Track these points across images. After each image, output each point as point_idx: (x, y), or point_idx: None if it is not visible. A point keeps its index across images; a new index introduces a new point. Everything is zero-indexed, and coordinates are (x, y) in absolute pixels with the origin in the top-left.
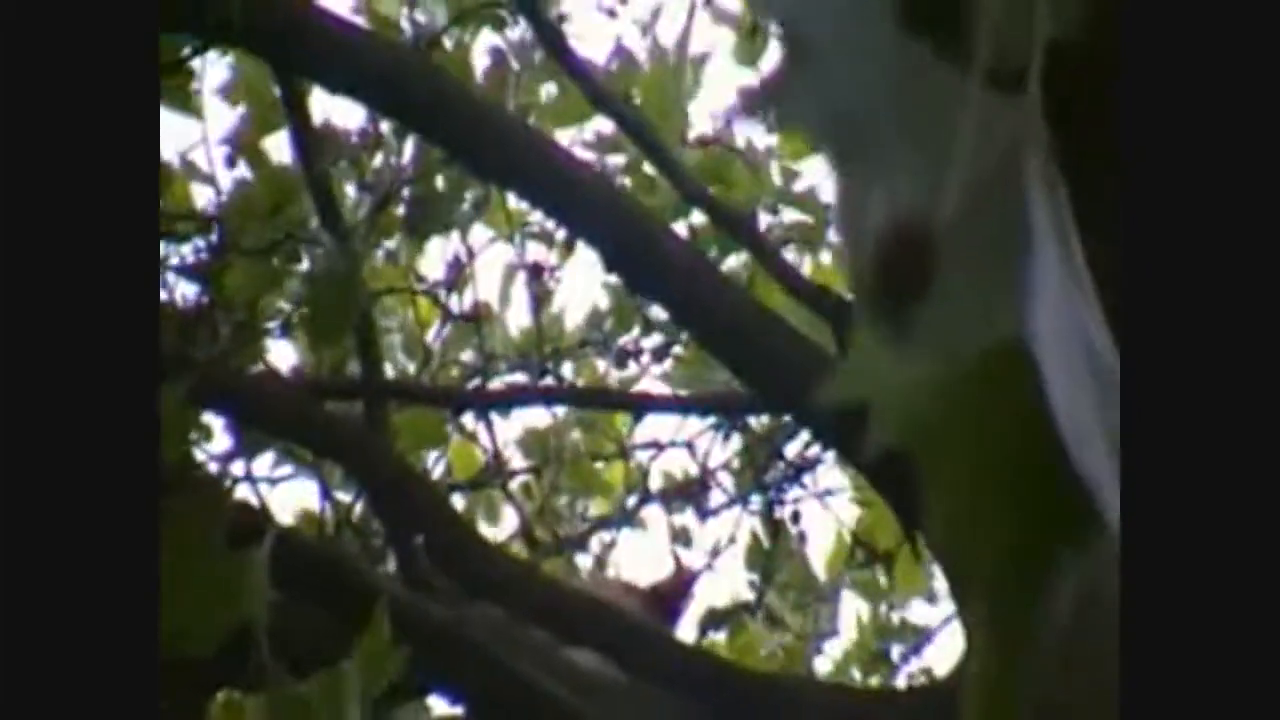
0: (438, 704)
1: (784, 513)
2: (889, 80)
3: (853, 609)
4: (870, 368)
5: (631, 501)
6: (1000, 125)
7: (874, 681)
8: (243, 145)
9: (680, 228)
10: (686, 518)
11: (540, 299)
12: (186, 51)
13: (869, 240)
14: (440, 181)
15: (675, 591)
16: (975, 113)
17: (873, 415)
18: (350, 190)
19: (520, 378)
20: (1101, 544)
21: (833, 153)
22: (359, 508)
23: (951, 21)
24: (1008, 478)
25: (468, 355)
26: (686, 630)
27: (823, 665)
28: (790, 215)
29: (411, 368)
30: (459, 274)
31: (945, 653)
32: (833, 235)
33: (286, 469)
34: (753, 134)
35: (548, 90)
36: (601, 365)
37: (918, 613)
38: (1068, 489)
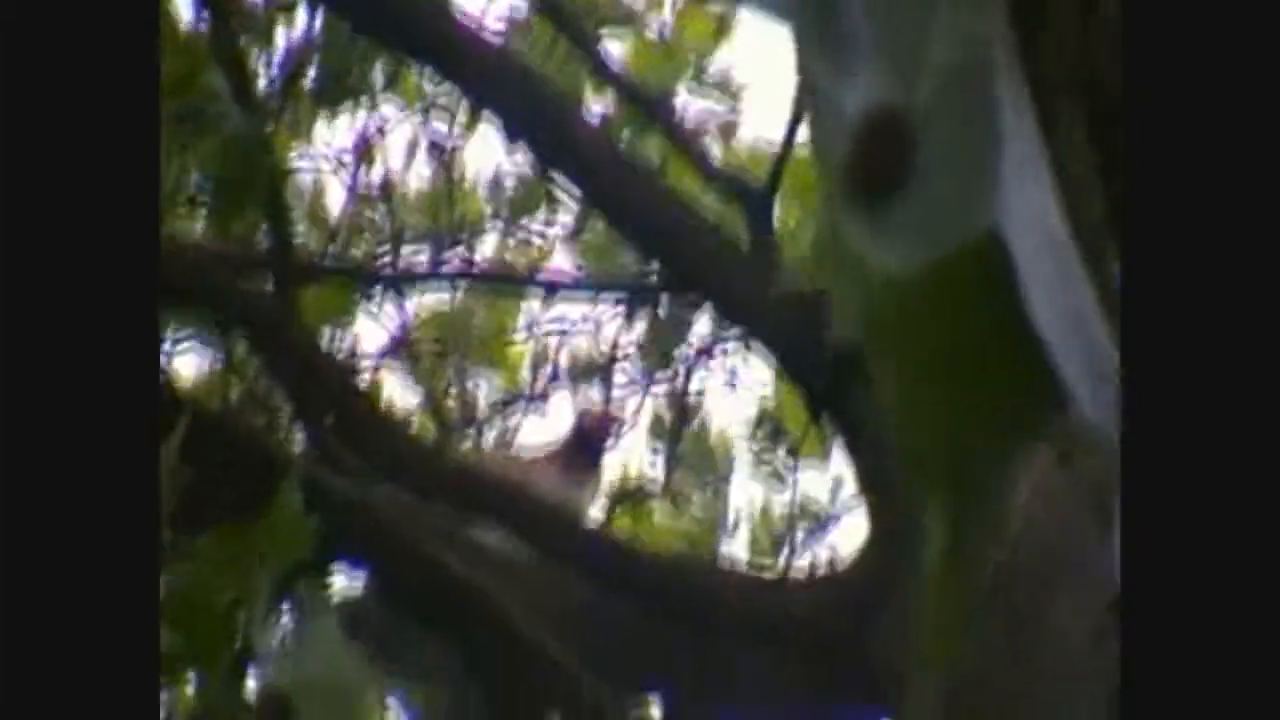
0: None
1: (689, 393)
2: None
3: (756, 495)
4: (839, 262)
5: (539, 382)
6: (968, 23)
7: (777, 563)
8: None
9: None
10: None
11: (446, 174)
12: None
13: (845, 134)
14: (348, 53)
15: (596, 427)
16: (945, 11)
17: (836, 308)
18: (258, 59)
19: (426, 253)
20: (1053, 427)
21: (806, 45)
22: (263, 382)
23: None
24: (964, 364)
25: (375, 231)
26: (593, 511)
27: (727, 549)
28: (704, 103)
29: (313, 240)
30: (366, 148)
31: (847, 536)
32: (762, 126)
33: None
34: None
35: None
36: (509, 243)
37: (819, 491)
38: (1040, 377)
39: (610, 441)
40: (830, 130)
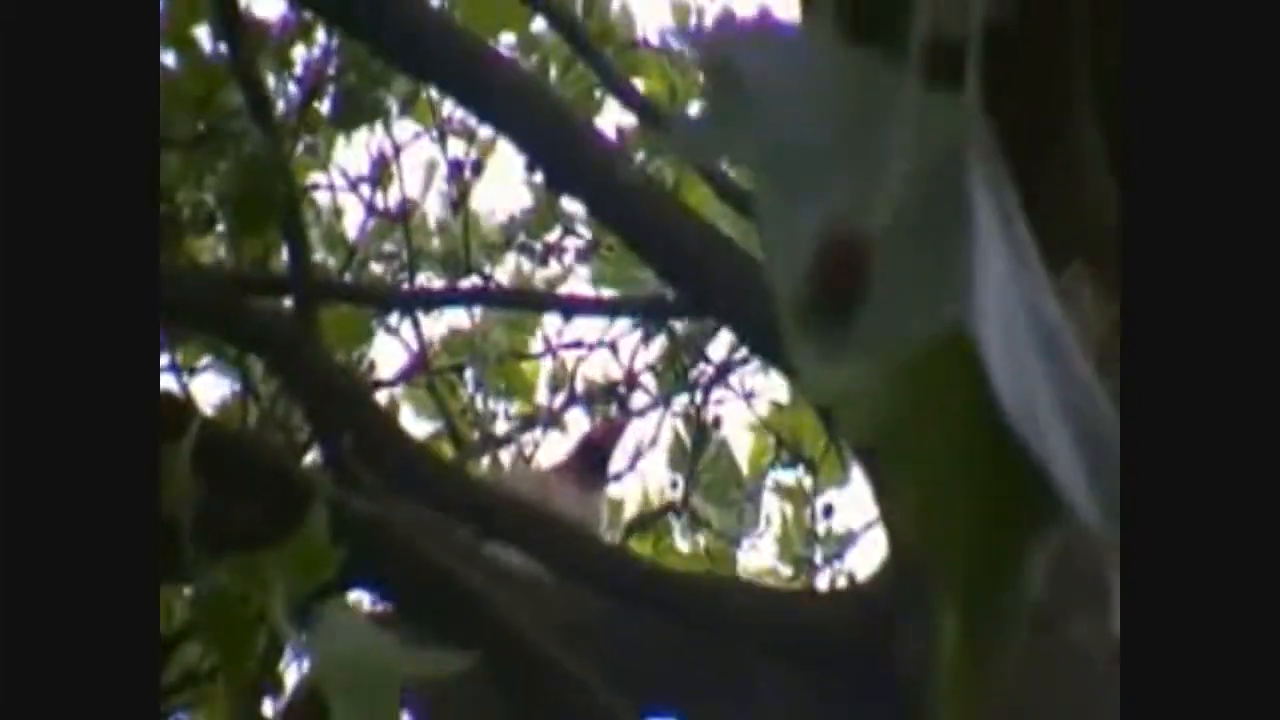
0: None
1: (707, 414)
2: (823, 101)
3: (776, 512)
4: (823, 373)
5: (556, 403)
6: (939, 122)
7: (797, 584)
8: (168, 34)
9: (609, 129)
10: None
11: (462, 196)
12: None
13: (799, 257)
14: (365, 75)
15: (604, 437)
16: (914, 111)
17: (837, 417)
18: (274, 82)
19: (442, 276)
20: (1064, 521)
21: (764, 178)
22: (281, 403)
23: (892, 20)
24: (964, 467)
25: (391, 251)
26: (609, 527)
27: (747, 566)
28: None
29: (332, 263)
30: (383, 170)
31: (867, 557)
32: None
33: (206, 360)
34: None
35: None
36: (525, 265)
37: (839, 517)
38: (1023, 472)
39: (617, 450)
40: (785, 258)
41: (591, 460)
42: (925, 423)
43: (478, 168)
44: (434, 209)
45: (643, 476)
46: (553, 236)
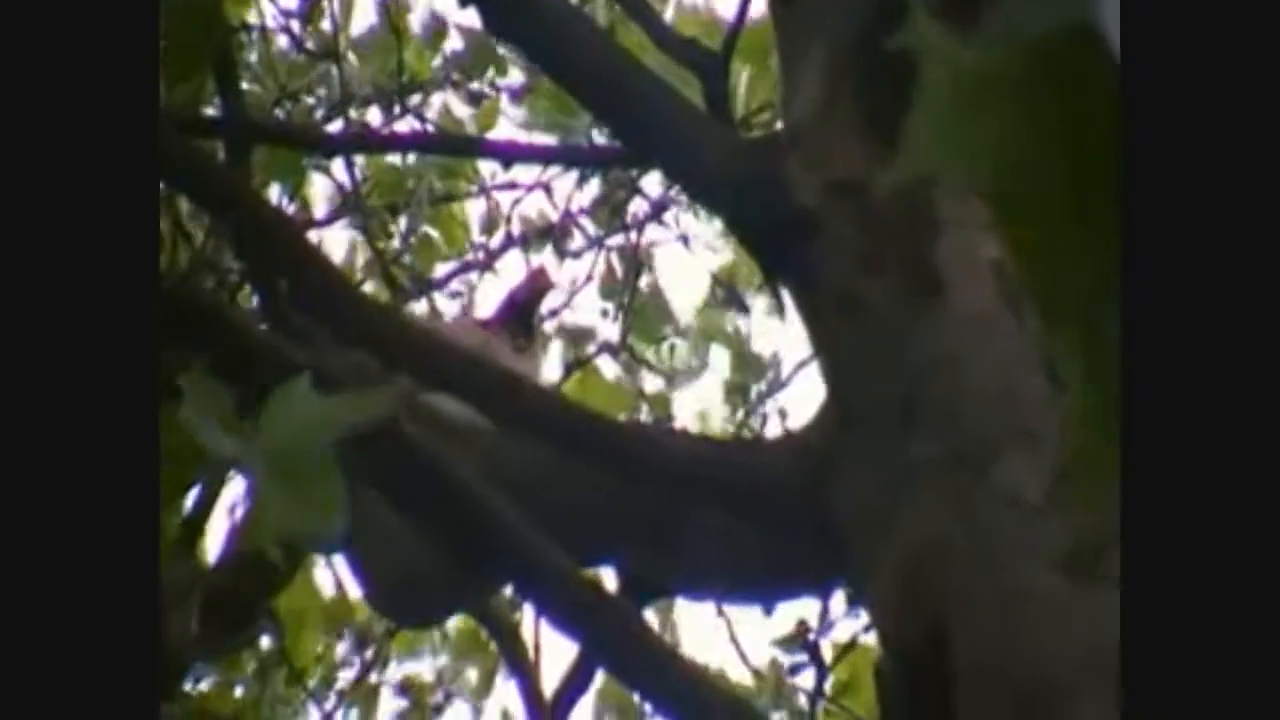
0: None
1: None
2: None
3: (710, 355)
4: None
5: (491, 244)
6: None
7: (735, 417)
8: None
9: None
10: (546, 261)
11: (395, 30)
12: None
13: None
14: None
15: (531, 294)
16: None
17: (921, 135)
18: None
19: (375, 114)
20: None
21: None
22: (212, 244)
23: None
24: (1088, 188)
25: (323, 90)
26: (550, 373)
27: (685, 408)
28: None
29: (261, 93)
30: (314, 5)
31: (801, 394)
32: None
33: None
34: None
35: None
36: (457, 105)
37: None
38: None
39: (541, 304)
40: None
41: (519, 317)
42: (1030, 108)
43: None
44: (364, 43)
45: (575, 312)
46: (484, 79)
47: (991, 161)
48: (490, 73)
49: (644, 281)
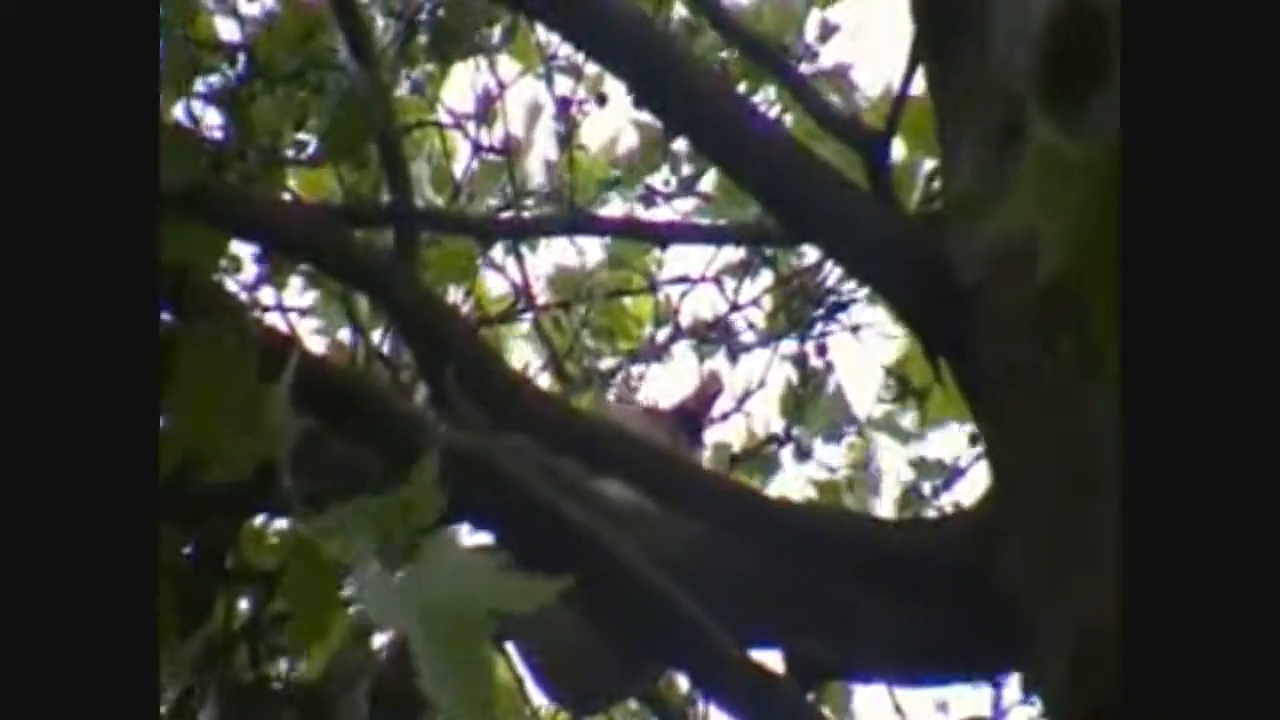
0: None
1: (814, 351)
2: None
3: (885, 448)
4: (1038, 192)
5: (660, 338)
6: None
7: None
8: None
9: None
10: (718, 362)
11: (568, 135)
12: None
13: (1039, 30)
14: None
15: (700, 403)
16: None
17: (1043, 241)
18: (379, 20)
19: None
20: None
21: None
22: (388, 341)
23: None
24: None
25: (496, 191)
26: (714, 465)
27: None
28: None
29: (439, 202)
30: (488, 107)
31: (976, 489)
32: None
33: (313, 297)
34: None
35: None
36: (629, 206)
37: (949, 450)
38: None
39: (711, 415)
40: (1021, 31)
41: (687, 426)
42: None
43: (602, 100)
44: (540, 148)
45: (749, 418)
46: (658, 178)
47: (1070, 228)
48: (663, 173)
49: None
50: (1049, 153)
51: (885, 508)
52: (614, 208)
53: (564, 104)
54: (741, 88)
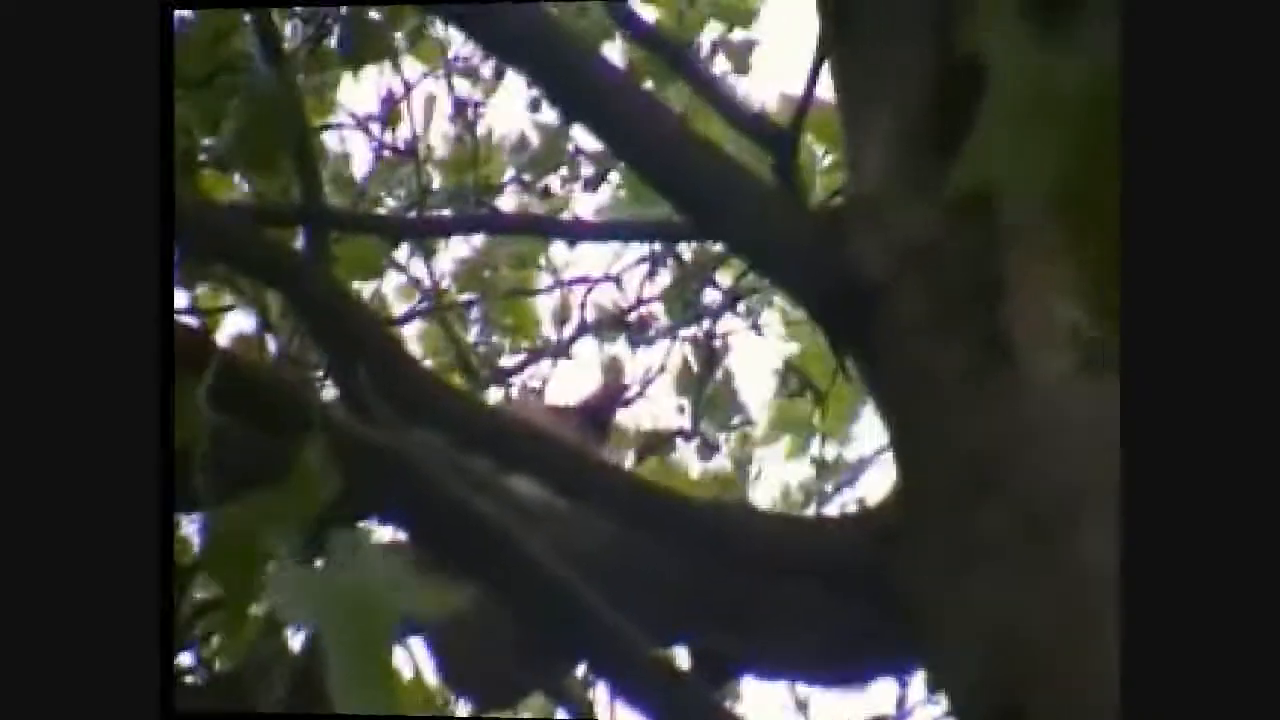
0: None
1: (716, 342)
2: None
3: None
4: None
5: (566, 334)
6: None
7: (805, 510)
8: None
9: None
10: (618, 347)
11: (469, 132)
12: None
13: None
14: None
15: (603, 404)
16: None
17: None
18: (288, 26)
19: (450, 212)
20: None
21: None
22: (298, 340)
23: None
24: None
25: (401, 191)
26: (621, 457)
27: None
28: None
29: (342, 201)
30: (392, 108)
31: (876, 487)
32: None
33: (226, 298)
34: None
35: None
36: (530, 201)
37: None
38: None
39: (614, 414)
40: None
41: (593, 421)
42: (1109, 136)
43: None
44: (438, 148)
45: (650, 404)
46: (557, 176)
47: (1055, 169)
48: (564, 170)
49: (718, 372)
50: (1027, 86)
51: (771, 502)
52: (513, 202)
53: (460, 104)
54: (648, 85)
